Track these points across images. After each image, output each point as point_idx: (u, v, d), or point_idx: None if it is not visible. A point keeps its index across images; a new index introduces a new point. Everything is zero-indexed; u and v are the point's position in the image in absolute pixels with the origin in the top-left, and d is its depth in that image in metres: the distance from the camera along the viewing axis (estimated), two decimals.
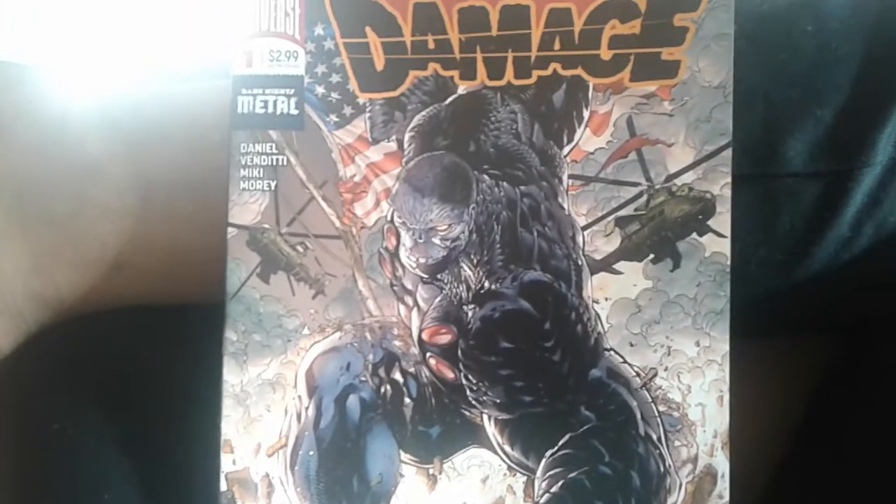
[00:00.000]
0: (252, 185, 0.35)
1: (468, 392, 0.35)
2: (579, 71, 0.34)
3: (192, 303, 0.38)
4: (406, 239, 0.35)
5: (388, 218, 0.35)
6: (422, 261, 0.35)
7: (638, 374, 0.34)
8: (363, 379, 0.35)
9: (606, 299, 0.34)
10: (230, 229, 0.35)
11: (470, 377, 0.34)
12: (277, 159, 0.35)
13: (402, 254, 0.35)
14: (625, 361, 0.34)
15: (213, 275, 0.35)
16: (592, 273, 0.34)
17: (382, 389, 0.35)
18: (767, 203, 0.35)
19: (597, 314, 0.34)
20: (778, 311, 0.38)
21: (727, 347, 0.33)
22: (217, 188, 0.35)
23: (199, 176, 0.36)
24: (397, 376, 0.35)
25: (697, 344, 0.33)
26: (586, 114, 0.34)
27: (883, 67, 0.35)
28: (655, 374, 0.34)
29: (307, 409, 0.35)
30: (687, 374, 0.34)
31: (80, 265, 0.36)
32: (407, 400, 0.35)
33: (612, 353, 0.34)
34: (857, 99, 0.35)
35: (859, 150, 0.35)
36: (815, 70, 0.35)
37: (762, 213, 0.35)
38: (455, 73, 0.34)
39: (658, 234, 0.33)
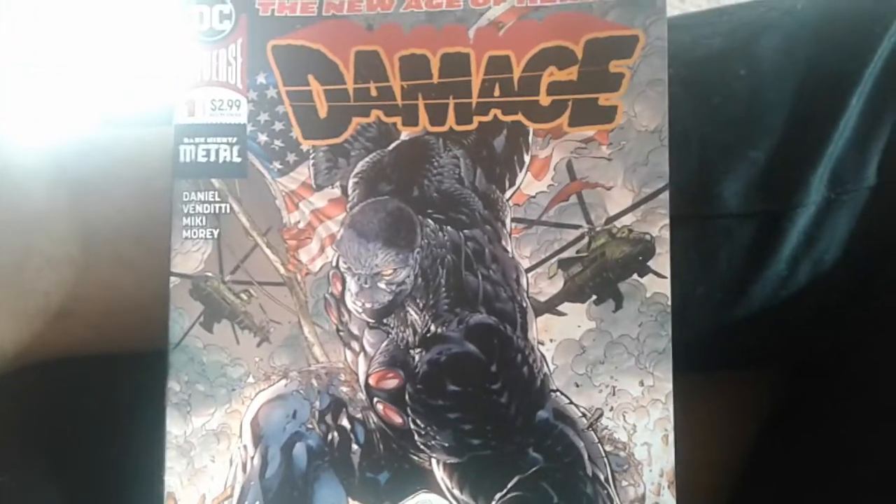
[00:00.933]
0: (195, 234, 0.35)
1: (416, 437, 0.34)
2: (519, 117, 0.34)
3: (136, 352, 0.37)
4: (351, 284, 0.35)
5: (334, 264, 0.35)
6: (367, 306, 0.35)
7: (584, 415, 0.34)
8: (310, 426, 0.35)
9: (551, 341, 0.34)
10: (173, 278, 0.35)
11: (418, 421, 0.34)
12: (220, 207, 0.35)
13: (348, 299, 0.35)
14: (571, 402, 0.34)
15: (156, 324, 0.35)
16: (537, 315, 0.34)
17: (330, 436, 0.35)
18: (705, 243, 0.36)
19: (542, 356, 0.34)
20: (719, 348, 0.39)
21: (671, 386, 0.34)
22: (160, 237, 0.35)
23: (142, 224, 0.36)
24: (344, 423, 0.35)
25: (641, 383, 0.34)
26: (527, 158, 0.34)
27: (814, 109, 0.36)
28: (601, 415, 0.34)
29: (253, 458, 0.35)
30: (632, 414, 0.34)
31: (23, 316, 0.36)
32: (354, 446, 0.35)
33: (558, 394, 0.34)
34: (790, 140, 0.36)
35: (793, 191, 0.36)
36: (748, 113, 0.36)
37: (700, 253, 0.36)
38: (398, 120, 0.35)
39: (600, 276, 0.34)
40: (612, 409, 0.34)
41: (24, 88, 0.44)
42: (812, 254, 0.36)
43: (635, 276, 0.34)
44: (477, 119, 0.34)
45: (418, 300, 0.34)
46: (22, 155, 0.37)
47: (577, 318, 0.34)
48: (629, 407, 0.34)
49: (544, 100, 0.34)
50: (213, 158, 0.35)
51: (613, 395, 0.34)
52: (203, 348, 0.35)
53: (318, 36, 0.35)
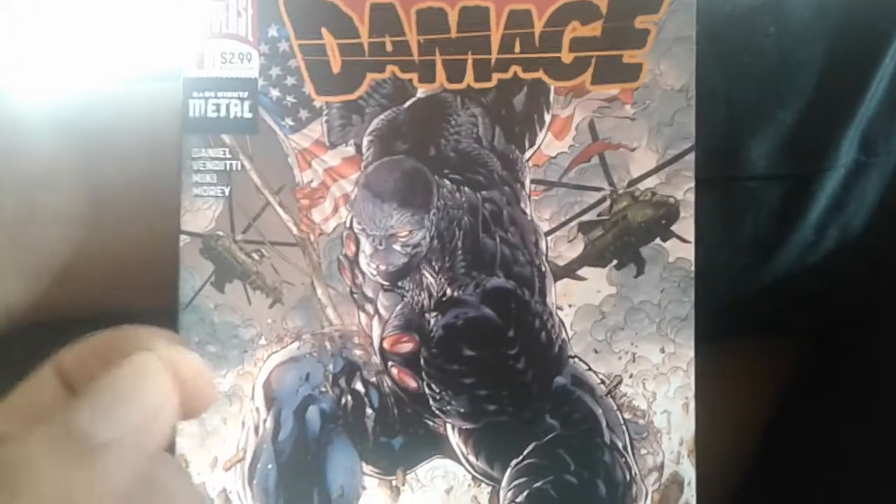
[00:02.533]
0: (205, 192, 0.34)
1: (431, 401, 0.34)
2: (540, 74, 0.33)
3: (145, 312, 0.37)
4: (366, 245, 0.34)
5: (347, 224, 0.34)
6: (382, 268, 0.34)
7: (602, 382, 0.33)
8: (323, 389, 0.34)
9: (570, 306, 0.33)
10: (182, 237, 0.34)
11: (433, 386, 0.34)
12: (231, 164, 0.34)
13: (362, 261, 0.34)
14: (589, 369, 0.33)
15: (166, 283, 0.34)
16: (556, 279, 0.33)
17: (343, 400, 0.34)
18: (731, 207, 0.35)
19: (561, 321, 0.33)
20: (743, 315, 0.38)
21: (692, 354, 0.33)
22: (169, 194, 0.34)
23: (151, 181, 0.35)
24: (358, 386, 0.34)
25: (662, 350, 0.33)
26: (548, 117, 0.33)
27: (845, 69, 0.35)
28: (620, 382, 0.33)
29: (265, 421, 0.34)
30: (652, 381, 0.33)
31: (29, 273, 0.35)
32: (368, 410, 0.34)
33: (576, 360, 0.33)
34: (820, 102, 0.35)
35: (822, 153, 0.35)
36: (777, 73, 0.35)
37: (725, 217, 0.35)
38: (414, 76, 0.33)
39: (621, 240, 0.33)
40: (631, 377, 0.33)
41: (30, 40, 0.44)
42: (840, 219, 0.35)
43: (658, 240, 0.33)
44: (496, 76, 0.33)
45: (434, 263, 0.34)
46: (28, 109, 0.36)
47: (597, 283, 0.33)
48: (649, 374, 0.33)
49: (566, 56, 0.33)
50: (223, 113, 0.34)
51: (633, 361, 0.33)
52: (214, 308, 0.34)
53: None
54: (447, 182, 0.34)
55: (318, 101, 0.34)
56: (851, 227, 0.36)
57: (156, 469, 0.24)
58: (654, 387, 0.33)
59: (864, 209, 0.35)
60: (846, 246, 0.36)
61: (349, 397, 0.34)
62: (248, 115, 0.34)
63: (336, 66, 0.34)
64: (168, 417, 0.22)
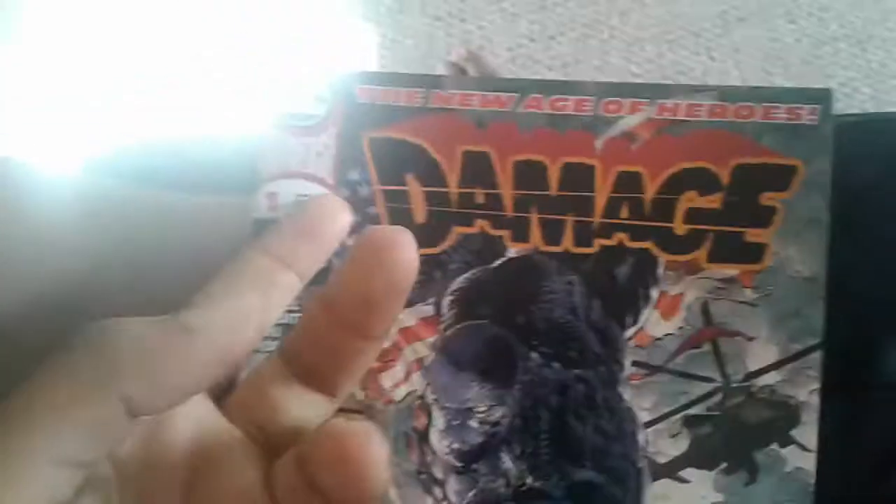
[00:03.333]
0: (261, 346, 0.30)
1: None
2: (649, 244, 0.29)
3: None
4: (439, 419, 0.30)
5: (420, 393, 0.30)
6: (455, 446, 0.30)
7: None
8: None
9: None
10: None
11: None
12: (296, 318, 0.30)
13: (433, 437, 0.30)
14: None
15: None
16: (654, 478, 0.29)
17: None
18: (860, 416, 0.31)
19: None
20: None
21: None
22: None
23: None
24: None
25: None
26: (655, 294, 0.30)
27: None
28: None
29: None
30: None
31: None
32: None
33: None
34: None
35: None
36: None
37: (853, 427, 0.31)
38: (506, 234, 0.30)
39: (733, 441, 0.29)
40: None
41: (93, 152, 0.42)
42: None
43: (775, 445, 0.29)
44: (598, 242, 0.30)
45: (514, 446, 0.30)
46: (80, 223, 0.33)
47: (701, 488, 0.29)
48: None
49: (680, 228, 0.29)
50: None
51: None
52: None
53: (422, 130, 0.30)
54: (535, 355, 0.30)
55: None
56: None
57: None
58: None
59: None
60: None
61: None
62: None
63: (420, 216, 0.30)
64: None
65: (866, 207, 0.32)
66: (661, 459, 0.29)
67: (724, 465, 0.29)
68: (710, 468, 0.29)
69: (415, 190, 0.30)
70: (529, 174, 0.30)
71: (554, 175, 0.30)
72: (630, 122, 0.29)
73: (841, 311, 0.30)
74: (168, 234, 0.33)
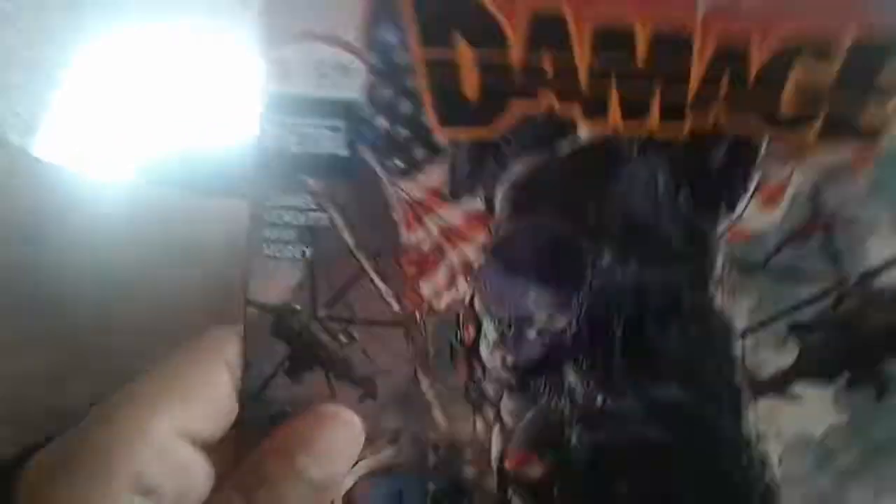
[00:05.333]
0: (280, 252, 0.25)
1: None
2: (750, 122, 0.24)
3: None
4: (490, 330, 0.26)
5: (467, 301, 0.26)
6: (510, 360, 0.26)
7: None
8: None
9: (777, 436, 0.25)
10: (249, 310, 0.25)
11: None
12: (316, 218, 0.25)
13: (483, 350, 0.26)
14: None
15: None
16: (756, 397, 0.25)
17: None
18: None
19: (763, 457, 0.26)
20: None
21: None
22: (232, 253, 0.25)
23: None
24: None
25: None
26: (755, 180, 0.25)
27: None
28: None
29: None
30: None
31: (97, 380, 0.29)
32: None
33: None
34: None
35: None
36: None
37: None
38: (577, 110, 0.24)
39: (854, 350, 0.25)
40: None
41: (112, 153, 0.43)
42: None
43: None
44: (690, 120, 0.24)
45: (581, 360, 0.26)
46: (106, 220, 0.36)
47: (818, 407, 0.25)
48: None
49: (788, 104, 0.24)
50: (310, 148, 0.25)
51: None
52: (287, 402, 0.26)
53: None
54: (607, 254, 0.25)
55: (442, 137, 0.24)
56: None
57: None
58: None
59: None
60: None
61: None
62: (343, 151, 0.25)
63: (471, 89, 0.24)
64: None
65: None
66: (765, 373, 0.25)
67: (845, 378, 0.25)
68: (828, 383, 0.25)
69: (466, 55, 0.24)
70: (612, 40, 0.24)
71: (643, 41, 0.24)
72: None
73: None
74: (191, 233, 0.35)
